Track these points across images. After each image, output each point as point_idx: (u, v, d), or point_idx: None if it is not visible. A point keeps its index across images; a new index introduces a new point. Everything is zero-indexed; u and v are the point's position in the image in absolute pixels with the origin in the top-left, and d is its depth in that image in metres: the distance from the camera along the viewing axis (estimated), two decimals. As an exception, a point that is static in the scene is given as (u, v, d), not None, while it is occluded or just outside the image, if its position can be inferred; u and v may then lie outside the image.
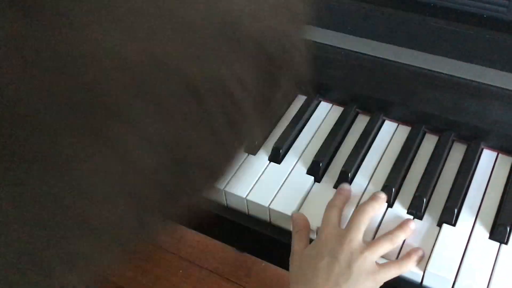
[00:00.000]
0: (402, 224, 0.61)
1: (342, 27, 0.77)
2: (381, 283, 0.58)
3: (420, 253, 0.60)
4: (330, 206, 0.63)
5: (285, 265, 0.73)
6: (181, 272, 1.47)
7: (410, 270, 0.59)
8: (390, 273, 0.58)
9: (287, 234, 0.67)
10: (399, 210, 0.65)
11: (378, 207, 0.62)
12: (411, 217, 0.64)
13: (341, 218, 0.62)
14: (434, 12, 0.74)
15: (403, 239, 0.61)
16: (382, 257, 0.60)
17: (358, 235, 0.59)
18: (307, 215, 0.64)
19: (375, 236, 0.62)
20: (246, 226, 0.70)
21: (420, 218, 0.64)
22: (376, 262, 0.58)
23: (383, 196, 0.63)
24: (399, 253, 0.61)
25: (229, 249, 1.32)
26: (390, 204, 0.65)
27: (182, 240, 1.51)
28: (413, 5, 0.75)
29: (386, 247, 0.59)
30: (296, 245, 0.62)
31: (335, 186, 0.67)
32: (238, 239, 0.76)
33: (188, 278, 1.46)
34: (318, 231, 0.62)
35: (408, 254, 0.60)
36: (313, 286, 0.56)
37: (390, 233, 0.60)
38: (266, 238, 0.70)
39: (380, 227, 0.63)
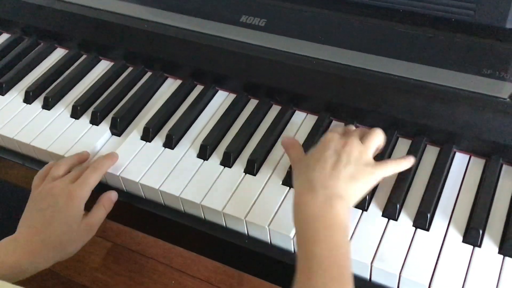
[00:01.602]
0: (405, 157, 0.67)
1: (304, 35, 0.78)
2: (379, 177, 0.63)
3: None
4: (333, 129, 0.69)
5: (267, 277, 0.74)
6: (173, 283, 1.48)
7: (406, 167, 0.66)
8: (388, 168, 0.64)
9: (266, 246, 0.67)
10: (374, 214, 0.65)
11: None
12: (386, 220, 0.64)
13: None
14: (401, 18, 0.74)
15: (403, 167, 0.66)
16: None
17: (358, 136, 0.64)
18: (284, 224, 0.65)
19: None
20: (224, 239, 0.70)
21: (395, 224, 0.64)
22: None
23: (411, 160, 0.67)
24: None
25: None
26: (365, 208, 0.66)
27: (174, 251, 1.52)
28: (379, 11, 0.76)
29: (377, 142, 0.66)
30: (294, 155, 0.66)
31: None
32: (218, 253, 0.76)
33: (181, 288, 1.47)
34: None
35: (403, 157, 0.67)
36: (318, 175, 0.59)
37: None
38: (245, 251, 0.70)
39: (355, 233, 0.63)
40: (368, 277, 0.62)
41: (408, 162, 0.66)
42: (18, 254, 0.64)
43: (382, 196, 0.66)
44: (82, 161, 0.75)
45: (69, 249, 0.67)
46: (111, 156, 0.73)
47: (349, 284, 0.53)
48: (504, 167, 0.68)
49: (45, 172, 0.73)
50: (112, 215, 0.81)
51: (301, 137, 0.75)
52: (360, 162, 0.61)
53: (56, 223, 0.66)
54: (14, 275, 0.64)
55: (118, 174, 0.73)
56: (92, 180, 0.70)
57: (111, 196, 0.72)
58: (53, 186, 0.69)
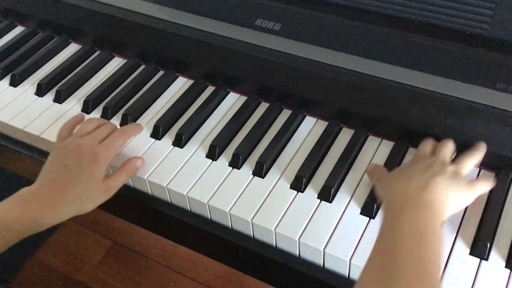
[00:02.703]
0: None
1: (319, 41, 0.78)
2: (477, 193, 0.63)
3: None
4: (425, 142, 0.68)
5: (270, 281, 0.74)
6: (172, 285, 1.47)
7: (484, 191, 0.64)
8: (482, 186, 0.64)
9: (271, 249, 0.67)
10: (379, 225, 0.65)
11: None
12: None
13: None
14: (415, 28, 0.75)
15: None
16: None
17: (447, 160, 0.64)
18: (290, 228, 0.64)
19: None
20: (230, 241, 0.69)
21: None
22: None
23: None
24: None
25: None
26: (372, 217, 0.65)
27: (174, 253, 1.52)
28: (394, 21, 0.76)
29: (470, 163, 0.65)
30: (379, 173, 0.68)
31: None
32: (224, 254, 0.76)
33: (180, 291, 1.46)
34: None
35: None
36: (410, 181, 0.60)
37: (470, 151, 0.66)
38: (251, 254, 0.69)
39: (361, 241, 0.63)
40: (373, 285, 0.62)
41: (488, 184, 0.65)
42: (38, 207, 0.65)
43: (390, 205, 0.66)
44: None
45: (85, 207, 0.68)
46: (139, 126, 0.76)
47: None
48: (514, 181, 0.68)
49: (72, 124, 0.74)
50: (117, 211, 0.81)
51: (310, 142, 0.74)
52: (454, 175, 0.61)
53: (77, 181, 0.67)
54: (32, 227, 0.64)
55: (126, 170, 0.73)
56: (118, 143, 0.70)
57: (137, 163, 0.72)
58: (80, 144, 0.69)
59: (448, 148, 0.66)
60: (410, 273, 0.50)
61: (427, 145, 0.68)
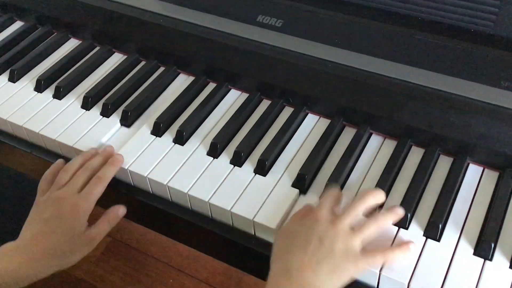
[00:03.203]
0: (391, 208, 0.62)
1: (321, 38, 0.77)
2: (363, 269, 0.59)
3: (407, 246, 0.60)
4: (330, 191, 0.64)
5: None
6: (171, 282, 1.47)
7: (396, 259, 0.59)
8: (374, 260, 0.59)
9: (272, 247, 0.67)
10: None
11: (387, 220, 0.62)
12: (396, 228, 0.63)
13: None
14: (419, 25, 0.74)
15: (390, 222, 0.62)
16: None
17: (347, 221, 0.59)
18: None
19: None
20: (231, 239, 0.69)
21: (405, 232, 0.63)
22: (363, 248, 0.59)
23: (400, 212, 0.63)
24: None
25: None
26: (374, 218, 0.65)
27: (173, 249, 1.51)
28: (398, 18, 0.75)
29: (372, 230, 0.60)
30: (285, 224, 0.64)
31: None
32: (224, 252, 0.76)
33: (179, 287, 1.46)
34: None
35: (396, 245, 0.61)
36: (297, 261, 0.57)
37: (377, 215, 0.61)
38: (252, 252, 0.69)
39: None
40: (376, 286, 0.61)
41: (399, 252, 0.60)
42: (20, 262, 0.65)
43: (394, 204, 0.66)
44: (88, 160, 0.73)
45: (69, 260, 0.68)
46: (116, 163, 0.72)
47: None
48: (518, 181, 0.67)
49: (51, 174, 0.73)
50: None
51: (313, 140, 0.74)
52: (343, 254, 0.57)
53: (58, 234, 0.66)
54: (15, 282, 0.64)
55: (126, 167, 0.72)
56: (96, 191, 0.69)
57: (119, 212, 0.72)
58: (58, 196, 0.68)
59: (355, 212, 0.61)
60: None
61: (327, 203, 0.62)
